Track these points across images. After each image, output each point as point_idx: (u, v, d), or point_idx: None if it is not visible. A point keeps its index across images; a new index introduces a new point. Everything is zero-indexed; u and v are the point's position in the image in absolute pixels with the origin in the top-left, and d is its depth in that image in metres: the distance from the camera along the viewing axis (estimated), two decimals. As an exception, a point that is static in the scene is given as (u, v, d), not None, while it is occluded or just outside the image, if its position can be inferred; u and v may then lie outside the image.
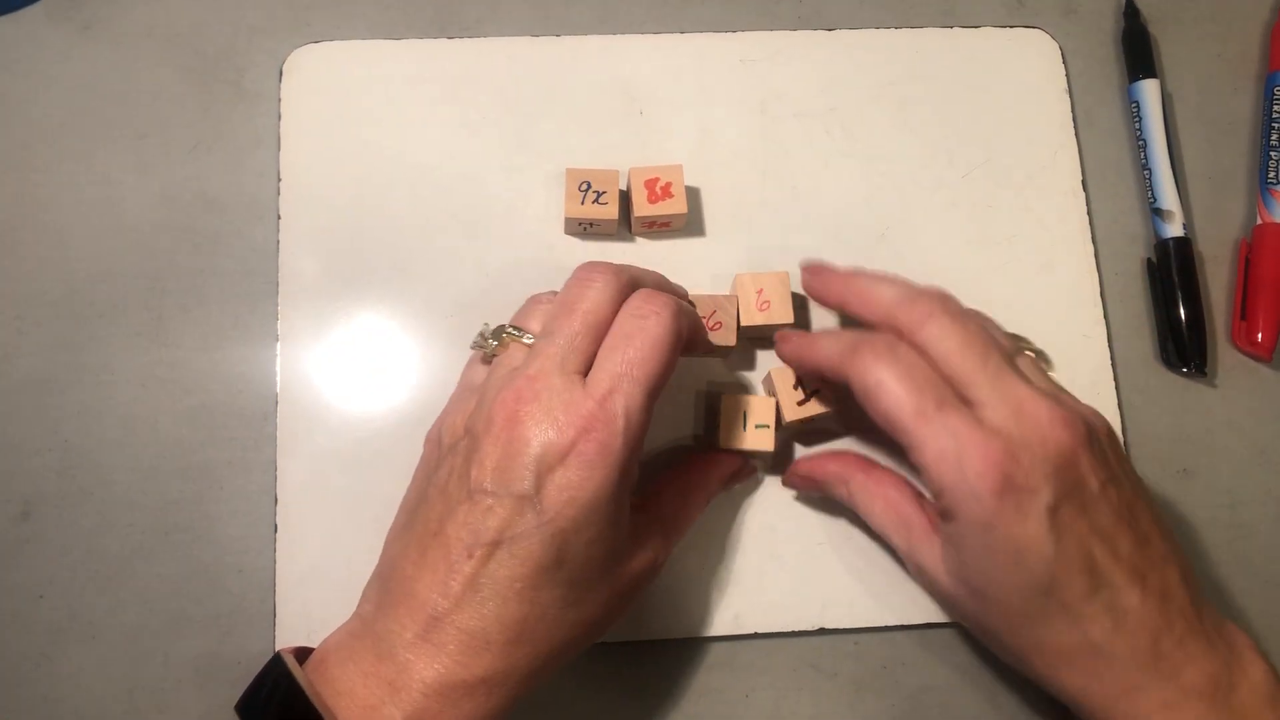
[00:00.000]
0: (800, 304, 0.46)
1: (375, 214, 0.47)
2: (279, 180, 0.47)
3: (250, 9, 0.50)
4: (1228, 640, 0.37)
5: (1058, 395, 0.37)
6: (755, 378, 0.46)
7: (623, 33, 0.50)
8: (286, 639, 0.42)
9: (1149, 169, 0.49)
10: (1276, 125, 0.50)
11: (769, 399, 0.43)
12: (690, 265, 0.47)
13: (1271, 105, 0.50)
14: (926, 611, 0.44)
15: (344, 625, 0.37)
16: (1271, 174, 0.49)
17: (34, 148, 0.47)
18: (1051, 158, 0.49)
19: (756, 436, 0.42)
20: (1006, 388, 0.36)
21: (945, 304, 0.38)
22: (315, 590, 0.43)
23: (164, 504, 0.44)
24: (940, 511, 0.37)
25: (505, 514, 0.34)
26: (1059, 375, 0.46)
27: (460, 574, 0.34)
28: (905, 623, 0.44)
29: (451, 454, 0.36)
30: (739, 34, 0.50)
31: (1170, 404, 0.47)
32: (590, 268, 0.38)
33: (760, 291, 0.44)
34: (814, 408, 0.42)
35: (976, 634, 0.40)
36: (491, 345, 0.39)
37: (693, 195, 0.48)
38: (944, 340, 0.36)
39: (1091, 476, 0.35)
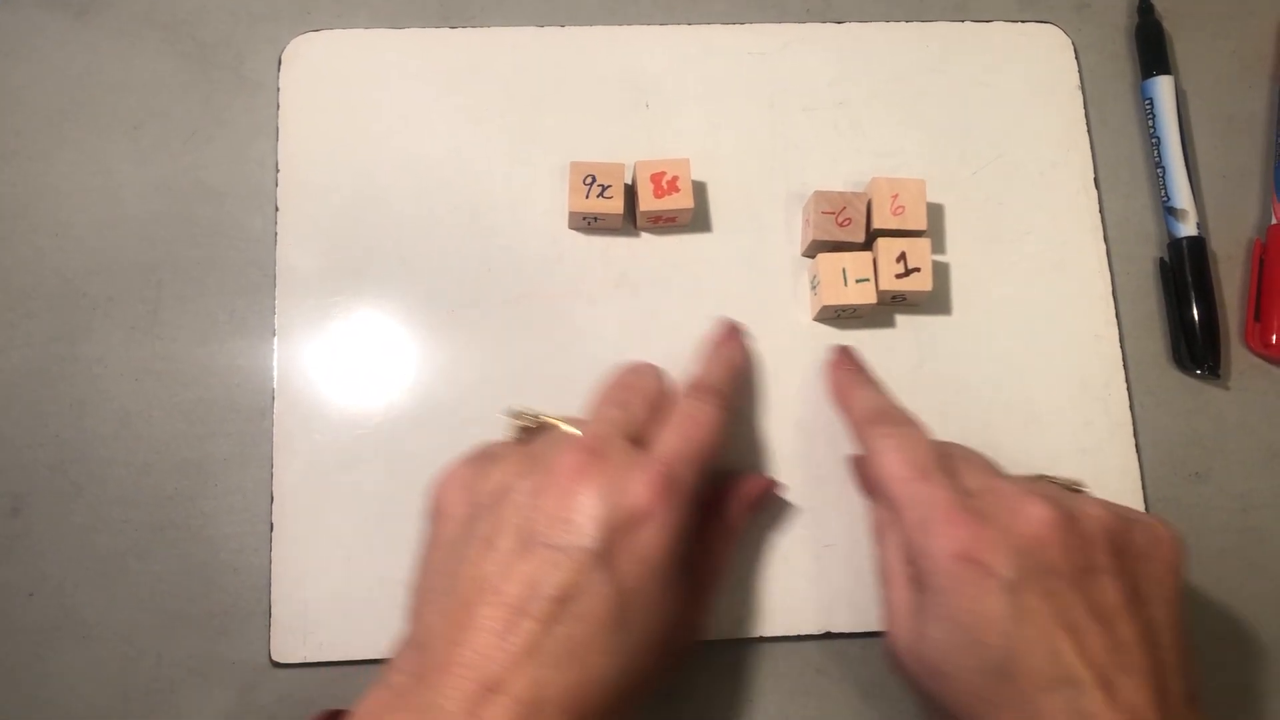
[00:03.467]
0: (935, 213, 0.46)
1: (375, 206, 0.46)
2: (277, 171, 0.46)
3: (249, -4, 0.49)
4: None
5: (1060, 494, 0.37)
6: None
7: (629, 24, 0.49)
8: (282, 639, 0.41)
9: (1162, 167, 0.48)
10: (1292, 124, 0.49)
11: (866, 254, 0.44)
12: (696, 261, 0.46)
13: (1287, 103, 0.49)
14: (934, 615, 0.43)
15: (371, 697, 0.33)
16: (1287, 173, 0.48)
17: (28, 136, 0.46)
18: (1063, 155, 0.49)
19: (859, 290, 0.43)
20: (983, 479, 0.37)
21: (902, 431, 0.39)
22: (311, 589, 0.42)
23: (158, 500, 0.43)
24: (916, 580, 0.37)
25: (570, 568, 0.32)
26: (1070, 374, 0.46)
27: (519, 633, 0.31)
28: (913, 626, 0.43)
29: (497, 508, 0.34)
30: (747, 26, 0.49)
31: (1182, 406, 0.46)
32: (637, 363, 0.42)
33: (895, 196, 0.44)
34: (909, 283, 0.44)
35: None
36: (528, 418, 0.39)
37: (699, 190, 0.47)
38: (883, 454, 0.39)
39: (1064, 563, 0.34)
